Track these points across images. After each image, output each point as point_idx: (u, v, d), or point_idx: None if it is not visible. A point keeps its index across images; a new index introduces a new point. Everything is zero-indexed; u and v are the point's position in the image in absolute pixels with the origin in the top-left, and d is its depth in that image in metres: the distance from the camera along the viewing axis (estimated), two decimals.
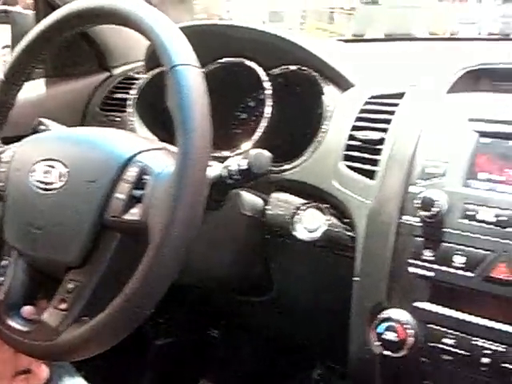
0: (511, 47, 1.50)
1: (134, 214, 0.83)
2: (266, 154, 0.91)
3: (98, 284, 0.85)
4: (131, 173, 0.86)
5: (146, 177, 0.85)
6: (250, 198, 1.09)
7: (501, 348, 0.83)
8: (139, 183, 0.85)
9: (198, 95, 0.79)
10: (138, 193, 0.84)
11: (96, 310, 0.80)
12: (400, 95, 1.03)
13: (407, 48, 1.56)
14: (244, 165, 0.90)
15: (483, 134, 0.91)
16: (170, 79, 0.80)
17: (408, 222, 0.90)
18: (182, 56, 0.81)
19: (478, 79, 1.05)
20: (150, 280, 0.76)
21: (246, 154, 0.90)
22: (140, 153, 0.89)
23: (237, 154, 1.10)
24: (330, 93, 1.11)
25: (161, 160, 0.87)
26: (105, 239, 0.86)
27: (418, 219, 0.89)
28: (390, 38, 1.75)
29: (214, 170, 0.94)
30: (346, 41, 1.61)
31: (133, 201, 0.84)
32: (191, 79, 0.80)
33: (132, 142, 0.93)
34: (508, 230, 0.84)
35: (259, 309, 1.25)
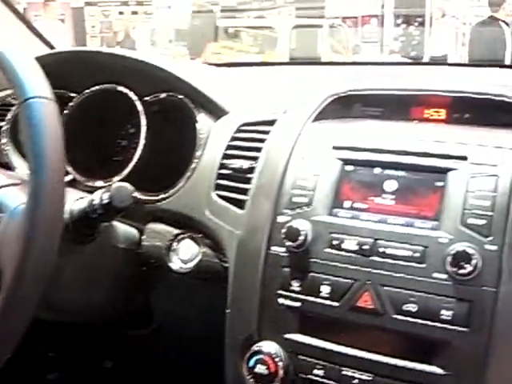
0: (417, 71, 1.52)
1: None
2: (128, 187, 0.89)
3: None
4: None
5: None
6: (124, 230, 1.06)
7: (367, 377, 0.83)
8: None
9: (50, 130, 0.77)
10: None
11: None
12: (271, 122, 1.02)
13: (296, 72, 1.56)
14: (106, 199, 0.87)
15: (347, 162, 0.90)
16: (21, 113, 0.77)
17: (276, 253, 0.89)
18: (34, 89, 0.78)
19: (350, 105, 1.05)
20: (3, 323, 0.73)
21: (109, 188, 0.88)
22: None
23: (108, 186, 1.07)
24: (203, 120, 1.09)
25: (16, 196, 0.84)
26: None
27: (284, 249, 0.88)
28: (274, 63, 1.75)
29: (80, 203, 0.91)
30: (228, 65, 1.60)
31: None
32: (42, 113, 0.77)
33: None
34: (371, 258, 0.84)
35: (143, 341, 1.21)
